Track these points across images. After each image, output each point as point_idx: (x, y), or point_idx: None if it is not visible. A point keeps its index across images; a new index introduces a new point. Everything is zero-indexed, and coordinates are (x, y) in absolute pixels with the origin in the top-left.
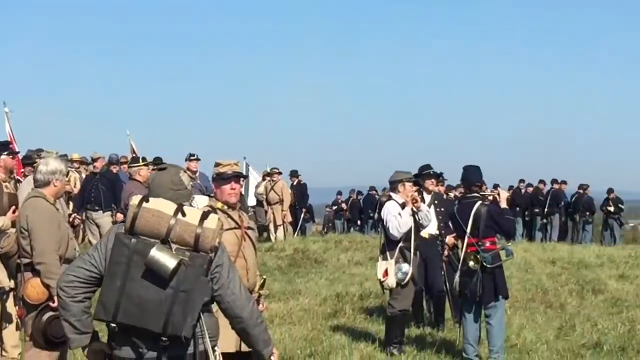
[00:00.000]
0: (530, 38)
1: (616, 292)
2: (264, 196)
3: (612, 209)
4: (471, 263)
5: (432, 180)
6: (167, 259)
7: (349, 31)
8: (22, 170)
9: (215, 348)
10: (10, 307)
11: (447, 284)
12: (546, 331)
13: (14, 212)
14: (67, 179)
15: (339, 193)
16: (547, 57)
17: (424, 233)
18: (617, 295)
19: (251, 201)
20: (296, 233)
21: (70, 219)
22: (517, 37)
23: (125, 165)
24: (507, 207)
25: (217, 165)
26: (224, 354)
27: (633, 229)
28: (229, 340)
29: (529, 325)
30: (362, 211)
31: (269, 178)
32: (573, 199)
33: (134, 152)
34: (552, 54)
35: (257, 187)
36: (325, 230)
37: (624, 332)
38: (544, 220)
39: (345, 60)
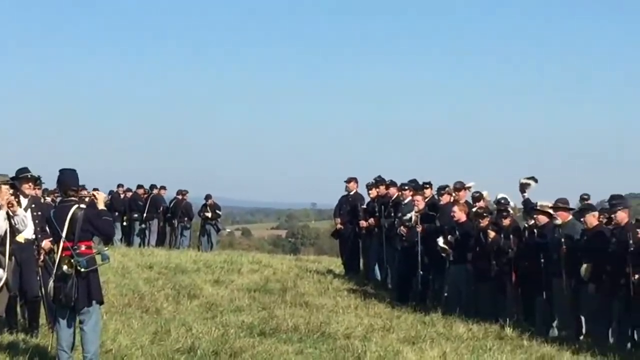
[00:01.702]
0: None
1: (211, 296)
2: None
3: (209, 214)
4: (65, 267)
5: (29, 183)
6: None
7: None
8: None
9: None
10: None
11: (43, 289)
12: (142, 336)
13: None
14: None
15: None
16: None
17: (20, 237)
18: (212, 300)
19: None
20: None
21: None
22: None
23: None
24: (104, 208)
25: None
26: None
27: (230, 234)
28: None
29: (124, 330)
30: None
31: None
32: (172, 204)
33: None
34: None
35: None
36: None
37: (217, 336)
38: (143, 225)
39: None
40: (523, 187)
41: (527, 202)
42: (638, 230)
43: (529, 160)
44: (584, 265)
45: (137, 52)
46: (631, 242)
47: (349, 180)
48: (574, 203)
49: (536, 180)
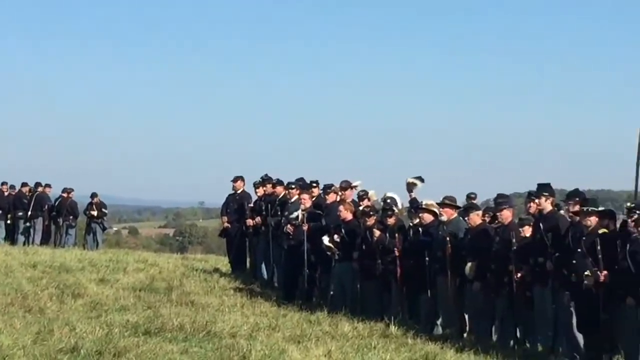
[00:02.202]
0: None
1: (96, 295)
2: None
3: (95, 213)
4: None
5: None
6: None
7: None
8: None
9: None
10: None
11: None
12: (24, 336)
13: None
14: None
15: None
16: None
17: None
18: (97, 299)
19: None
20: None
21: None
22: None
23: None
24: None
25: None
26: None
27: (116, 233)
28: None
29: (6, 330)
30: None
31: None
32: (57, 202)
33: None
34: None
35: None
36: None
37: (101, 335)
38: (27, 224)
39: None
40: (410, 187)
41: (413, 202)
42: (521, 229)
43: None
44: (468, 264)
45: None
46: (514, 240)
47: (235, 180)
48: (461, 202)
49: (422, 180)
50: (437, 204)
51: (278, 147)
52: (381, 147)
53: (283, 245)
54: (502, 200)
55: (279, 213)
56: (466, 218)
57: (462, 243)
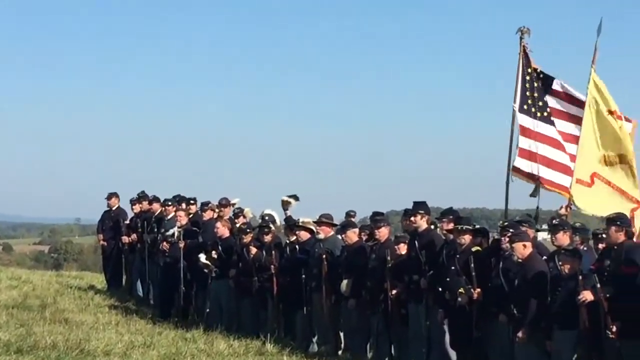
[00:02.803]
0: None
1: None
2: None
3: None
4: None
5: None
6: None
7: None
8: None
9: None
10: None
11: None
12: None
13: None
14: None
15: None
16: None
17: None
18: None
19: None
20: None
21: None
22: None
23: None
24: None
25: None
26: None
27: None
28: None
29: None
30: None
31: None
32: None
33: None
34: None
35: None
36: None
37: None
38: None
39: None
40: (285, 205)
41: (289, 219)
42: (397, 246)
43: None
44: (344, 281)
45: None
46: (389, 258)
47: (109, 197)
48: (340, 219)
49: (297, 199)
50: (314, 221)
51: (155, 164)
52: (260, 165)
53: (159, 262)
54: (378, 218)
55: (155, 230)
56: (343, 235)
57: (338, 260)
